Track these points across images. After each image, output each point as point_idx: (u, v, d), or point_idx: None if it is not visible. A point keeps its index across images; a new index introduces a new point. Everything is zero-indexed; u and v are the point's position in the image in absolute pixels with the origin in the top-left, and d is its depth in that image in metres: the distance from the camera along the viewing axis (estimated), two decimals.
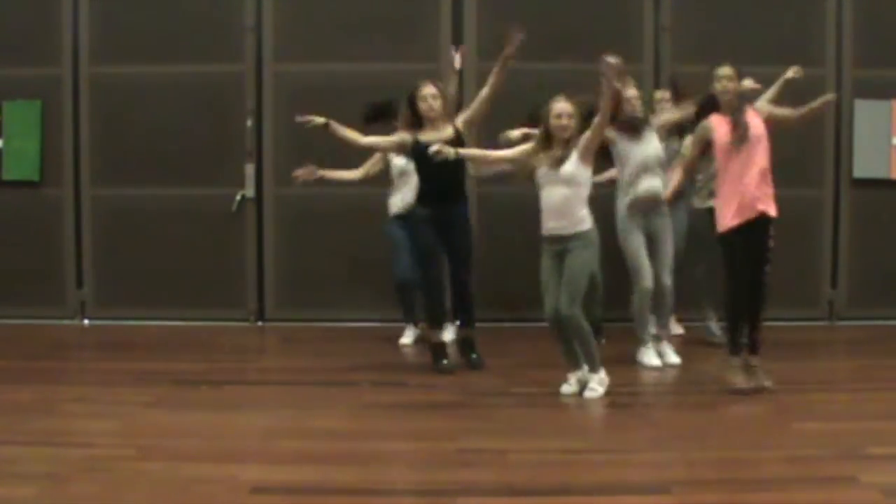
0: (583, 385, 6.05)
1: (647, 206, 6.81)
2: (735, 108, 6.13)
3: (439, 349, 6.82)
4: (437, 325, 6.86)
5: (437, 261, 6.82)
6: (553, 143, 6.01)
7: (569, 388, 6.09)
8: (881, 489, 4.37)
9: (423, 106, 6.63)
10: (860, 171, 8.43)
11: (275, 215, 8.49)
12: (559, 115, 5.98)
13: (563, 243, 5.97)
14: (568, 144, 5.98)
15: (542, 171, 6.01)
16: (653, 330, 6.96)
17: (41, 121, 8.44)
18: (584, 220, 6.00)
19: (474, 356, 6.83)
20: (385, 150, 7.17)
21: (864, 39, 8.37)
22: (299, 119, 6.67)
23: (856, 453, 4.90)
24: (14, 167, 8.48)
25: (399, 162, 7.41)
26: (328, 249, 8.40)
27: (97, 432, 5.29)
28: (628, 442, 5.25)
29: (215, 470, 4.70)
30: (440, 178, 6.54)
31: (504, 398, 6.07)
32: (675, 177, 6.80)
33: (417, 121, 6.67)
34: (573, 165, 5.95)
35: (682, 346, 7.32)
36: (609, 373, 6.09)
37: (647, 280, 6.78)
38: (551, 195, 5.98)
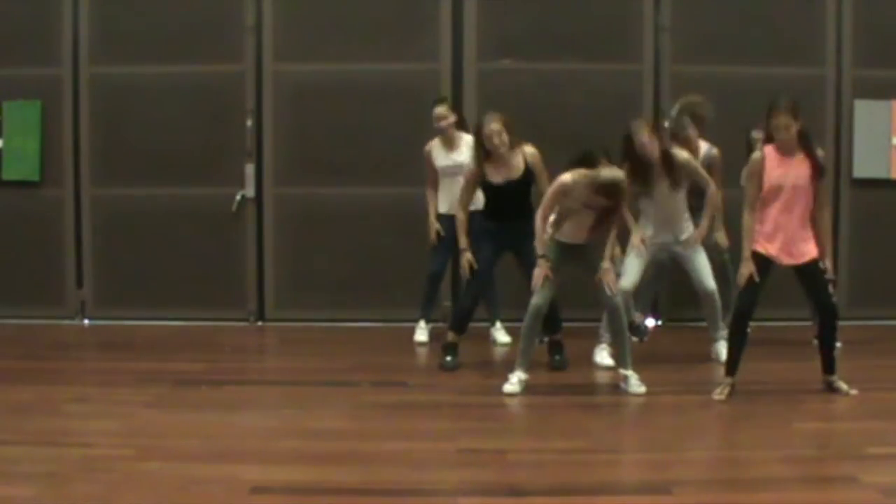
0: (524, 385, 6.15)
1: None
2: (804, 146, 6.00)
3: (449, 347, 6.86)
4: (459, 332, 6.90)
5: (488, 277, 6.89)
6: None
7: (512, 387, 6.13)
8: (881, 489, 4.37)
9: (488, 145, 6.64)
10: (860, 171, 8.43)
11: (275, 215, 8.49)
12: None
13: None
14: None
15: None
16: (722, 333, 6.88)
17: (41, 121, 8.44)
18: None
19: (557, 358, 6.81)
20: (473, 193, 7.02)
21: (864, 39, 8.36)
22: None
23: (856, 453, 4.91)
24: (14, 167, 8.47)
25: (443, 163, 7.42)
26: (328, 249, 8.40)
27: (97, 432, 5.29)
28: (628, 442, 5.26)
29: (215, 470, 4.70)
30: (507, 203, 6.69)
31: (504, 398, 6.07)
32: (745, 228, 6.27)
33: (486, 153, 6.68)
34: None
35: (687, 346, 7.33)
36: (605, 372, 6.09)
37: (626, 281, 6.76)
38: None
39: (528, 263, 6.48)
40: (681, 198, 6.81)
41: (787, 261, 6.05)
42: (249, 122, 8.42)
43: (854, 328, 8.20)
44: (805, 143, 5.99)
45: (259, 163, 8.45)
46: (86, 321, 8.54)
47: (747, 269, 5.98)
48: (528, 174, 6.69)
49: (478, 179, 6.73)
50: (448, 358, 6.81)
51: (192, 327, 8.26)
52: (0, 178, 8.47)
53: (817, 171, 6.00)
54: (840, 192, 8.48)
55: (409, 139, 7.98)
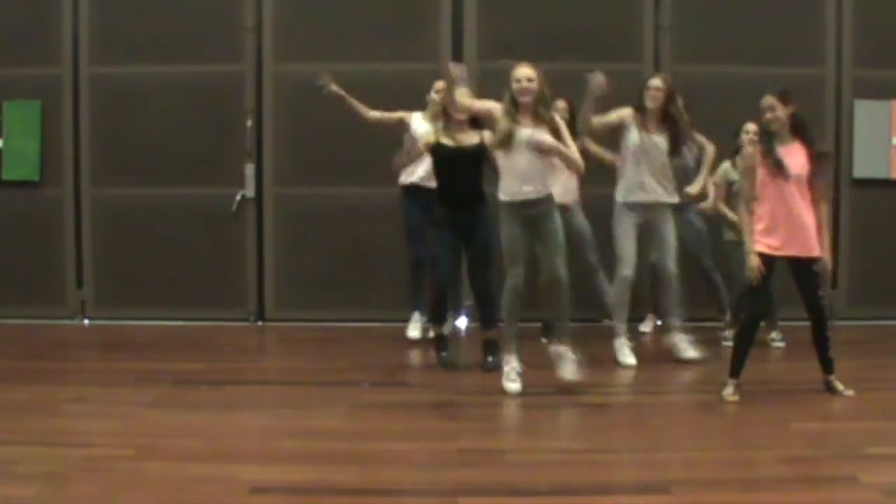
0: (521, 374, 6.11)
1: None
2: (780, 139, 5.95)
3: (441, 342, 6.87)
4: (440, 322, 6.91)
5: (453, 265, 6.85)
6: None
7: (514, 384, 6.08)
8: (881, 489, 4.37)
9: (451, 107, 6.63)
10: (860, 171, 8.43)
11: (275, 215, 8.49)
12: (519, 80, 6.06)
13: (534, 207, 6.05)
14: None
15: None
16: (676, 322, 6.97)
17: (41, 121, 8.44)
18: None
19: (490, 359, 6.72)
20: (388, 126, 7.17)
21: (864, 39, 8.36)
22: (320, 82, 6.75)
23: (856, 453, 4.91)
24: (14, 167, 8.48)
25: (422, 130, 7.35)
26: (328, 249, 8.40)
27: (97, 432, 5.29)
28: (628, 442, 5.26)
29: (215, 470, 4.70)
30: (458, 180, 6.59)
31: (504, 398, 6.07)
32: (744, 223, 6.32)
33: (445, 117, 6.68)
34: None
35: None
36: (605, 372, 6.10)
37: (628, 268, 6.77)
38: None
39: (473, 254, 6.65)
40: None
41: (792, 252, 5.97)
42: (249, 122, 8.42)
43: (854, 328, 8.21)
44: (798, 128, 5.95)
45: (259, 163, 8.45)
46: (86, 321, 8.54)
47: (754, 261, 5.94)
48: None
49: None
50: (443, 354, 6.82)
51: (192, 327, 8.26)
52: (0, 178, 8.47)
53: (813, 157, 5.95)
54: (840, 192, 8.48)
55: None
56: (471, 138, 6.62)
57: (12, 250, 8.48)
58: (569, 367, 6.09)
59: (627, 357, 6.85)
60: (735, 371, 6.00)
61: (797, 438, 5.23)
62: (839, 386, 6.05)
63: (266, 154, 8.46)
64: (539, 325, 7.38)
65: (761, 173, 5.94)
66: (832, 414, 5.71)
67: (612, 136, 7.04)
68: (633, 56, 8.32)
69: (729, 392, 5.94)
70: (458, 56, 8.34)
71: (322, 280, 8.42)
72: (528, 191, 6.01)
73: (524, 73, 6.02)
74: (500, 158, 6.09)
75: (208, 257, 8.48)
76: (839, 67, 8.40)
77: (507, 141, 5.99)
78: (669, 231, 6.89)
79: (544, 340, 7.42)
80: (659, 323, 8.31)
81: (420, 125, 7.45)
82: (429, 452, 5.05)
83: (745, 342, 6.01)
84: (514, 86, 6.01)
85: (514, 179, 6.02)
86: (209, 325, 8.26)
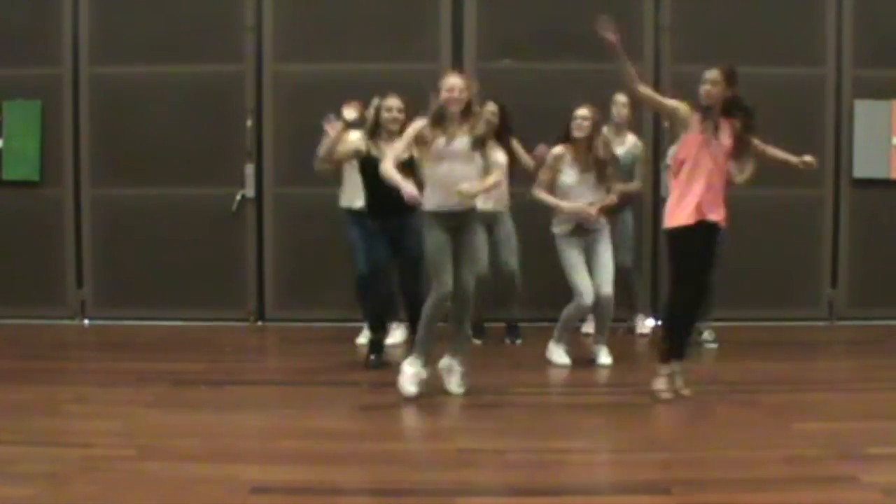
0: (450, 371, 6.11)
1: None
2: (716, 114, 5.92)
3: (375, 346, 6.90)
4: (378, 332, 6.93)
5: (387, 276, 6.88)
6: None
7: (413, 388, 6.03)
8: (881, 489, 4.37)
9: (386, 116, 6.64)
10: (860, 171, 8.43)
11: (275, 215, 8.49)
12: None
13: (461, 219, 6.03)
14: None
15: None
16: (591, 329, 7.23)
17: (41, 121, 8.44)
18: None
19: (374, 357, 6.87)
20: (343, 159, 7.02)
21: (864, 39, 8.37)
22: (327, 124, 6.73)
23: (856, 453, 4.90)
24: (14, 167, 8.48)
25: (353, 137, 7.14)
26: (328, 249, 8.39)
27: (97, 432, 5.29)
28: (628, 442, 5.25)
29: (215, 470, 4.70)
30: (389, 191, 6.29)
31: (504, 398, 6.06)
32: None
33: (377, 129, 6.68)
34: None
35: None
36: (605, 372, 6.09)
37: (586, 297, 6.79)
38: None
39: (405, 263, 6.70)
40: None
41: (713, 217, 5.87)
42: (249, 122, 8.42)
43: (854, 328, 8.22)
44: (732, 112, 5.92)
45: (259, 163, 8.46)
46: (86, 321, 8.54)
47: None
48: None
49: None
50: (371, 357, 6.86)
51: (192, 327, 8.26)
52: (0, 178, 8.47)
53: (738, 140, 5.93)
54: (840, 192, 8.48)
55: None
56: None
57: (12, 250, 8.48)
58: (454, 380, 6.11)
59: (563, 357, 6.94)
60: (672, 356, 5.97)
61: (797, 438, 5.22)
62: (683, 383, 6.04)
63: (266, 154, 8.46)
64: (534, 325, 7.41)
65: (690, 141, 5.88)
66: (832, 414, 5.71)
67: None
68: (634, 56, 8.23)
69: (660, 384, 5.95)
70: (458, 56, 8.35)
71: (322, 280, 8.41)
72: (454, 202, 5.96)
73: (454, 82, 5.95)
74: (427, 168, 6.03)
75: (208, 257, 8.48)
76: (839, 67, 8.40)
77: (431, 151, 5.95)
78: (609, 254, 6.93)
79: (508, 341, 7.64)
80: (658, 323, 8.33)
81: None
82: (429, 452, 5.05)
83: (679, 326, 5.99)
84: (444, 95, 5.94)
85: (440, 190, 5.95)
86: (209, 325, 8.26)
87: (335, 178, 7.41)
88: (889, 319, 8.34)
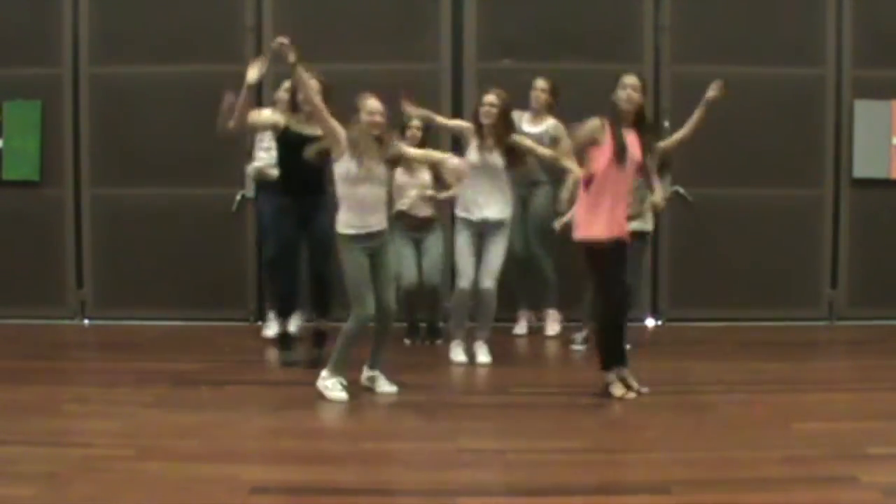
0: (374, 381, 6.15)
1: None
2: (630, 123, 5.94)
3: (285, 340, 6.87)
4: (286, 315, 6.89)
5: (296, 253, 6.80)
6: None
7: (388, 385, 6.13)
8: (881, 489, 4.37)
9: (300, 96, 6.58)
10: (860, 171, 8.43)
11: None
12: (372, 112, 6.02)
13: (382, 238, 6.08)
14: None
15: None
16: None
17: (41, 121, 8.44)
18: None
19: (319, 352, 6.74)
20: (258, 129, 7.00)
21: (864, 39, 8.36)
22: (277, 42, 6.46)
23: (856, 453, 4.91)
24: (14, 167, 8.48)
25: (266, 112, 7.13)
26: None
27: (97, 432, 5.29)
28: (628, 442, 5.26)
29: (215, 470, 4.70)
30: (302, 168, 6.38)
31: (504, 398, 6.06)
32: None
33: (293, 107, 6.66)
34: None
35: (687, 346, 7.33)
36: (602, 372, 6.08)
37: (463, 280, 6.88)
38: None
39: (315, 246, 6.66)
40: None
41: (622, 234, 5.94)
42: None
43: (854, 328, 8.22)
44: (638, 121, 5.94)
45: None
46: (86, 321, 8.54)
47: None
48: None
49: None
50: (288, 352, 6.84)
51: (192, 327, 8.26)
52: (0, 178, 8.47)
53: (644, 150, 5.98)
54: (840, 192, 8.48)
55: None
56: (317, 129, 6.46)
57: (12, 250, 8.48)
58: (382, 383, 6.15)
59: (460, 355, 6.97)
60: (611, 363, 6.01)
61: (797, 438, 5.23)
62: (634, 384, 6.07)
63: None
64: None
65: (601, 155, 5.88)
66: (832, 414, 5.71)
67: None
68: (634, 56, 8.31)
69: (619, 391, 5.97)
70: (458, 56, 8.35)
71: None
72: (373, 223, 5.99)
73: (375, 106, 6.01)
74: (343, 190, 6.01)
75: (208, 257, 8.48)
76: (839, 67, 8.40)
77: (348, 175, 5.97)
78: (498, 249, 6.94)
79: (427, 343, 7.62)
80: (658, 322, 8.33)
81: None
82: (429, 452, 5.05)
83: (613, 334, 6.01)
84: (365, 118, 5.98)
85: (358, 212, 5.97)
86: (209, 325, 8.26)
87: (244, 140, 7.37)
88: (889, 319, 8.34)
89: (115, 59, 8.39)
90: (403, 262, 7.33)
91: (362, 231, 5.97)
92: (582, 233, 5.94)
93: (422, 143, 7.24)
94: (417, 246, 7.50)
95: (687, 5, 8.38)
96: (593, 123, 5.92)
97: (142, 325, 8.30)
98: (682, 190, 8.30)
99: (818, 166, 8.46)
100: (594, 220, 5.88)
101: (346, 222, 5.99)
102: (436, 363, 6.99)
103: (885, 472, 4.64)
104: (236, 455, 4.95)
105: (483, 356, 6.95)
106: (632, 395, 5.99)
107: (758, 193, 8.38)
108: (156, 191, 8.42)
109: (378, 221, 6.03)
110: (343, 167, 5.97)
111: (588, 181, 5.93)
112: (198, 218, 8.45)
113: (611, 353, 6.01)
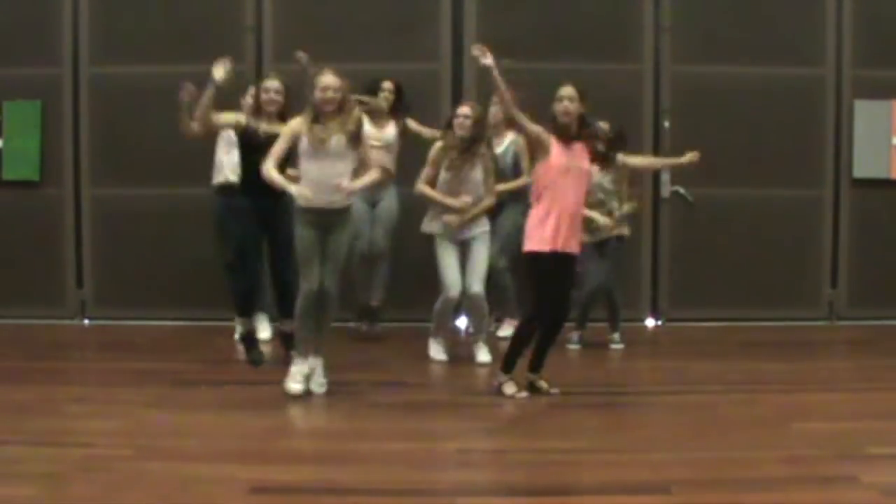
0: (308, 377, 6.10)
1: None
2: (574, 134, 5.93)
3: (249, 339, 6.81)
4: (248, 315, 6.84)
5: (255, 255, 6.75)
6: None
7: (297, 385, 6.06)
8: (881, 489, 4.37)
9: (264, 98, 6.58)
10: (860, 171, 8.43)
11: None
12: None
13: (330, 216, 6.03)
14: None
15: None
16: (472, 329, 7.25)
17: (41, 121, 8.45)
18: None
19: (288, 353, 6.69)
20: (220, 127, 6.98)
21: (864, 39, 8.37)
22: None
23: (856, 453, 4.90)
24: (14, 167, 8.48)
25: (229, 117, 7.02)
26: None
27: (97, 432, 5.29)
28: (628, 442, 5.25)
29: (215, 470, 4.69)
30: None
31: (504, 398, 6.06)
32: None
33: (258, 109, 6.64)
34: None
35: (687, 346, 7.33)
36: (603, 372, 6.09)
37: (451, 291, 6.90)
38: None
39: (277, 248, 6.60)
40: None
41: (569, 249, 5.93)
42: None
43: (854, 328, 8.22)
44: (583, 129, 5.95)
45: None
46: (86, 321, 8.54)
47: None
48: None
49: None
50: (252, 351, 6.76)
51: (192, 327, 8.26)
52: (0, 178, 8.47)
53: (592, 158, 6.07)
54: (840, 192, 8.48)
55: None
56: (280, 129, 6.42)
57: (12, 250, 8.48)
58: (315, 380, 6.13)
59: (440, 354, 7.07)
60: (511, 367, 6.03)
61: (797, 438, 5.22)
62: (544, 385, 6.08)
63: None
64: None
65: (549, 167, 5.88)
66: (832, 414, 5.71)
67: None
68: (633, 56, 8.32)
69: (511, 389, 5.99)
70: (458, 56, 8.35)
71: None
72: (327, 200, 5.96)
73: (328, 81, 6.01)
74: (302, 164, 6.02)
75: (208, 257, 8.46)
76: (839, 67, 8.40)
77: (305, 149, 5.96)
78: (482, 254, 6.98)
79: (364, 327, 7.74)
80: (658, 322, 8.33)
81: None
82: (429, 452, 5.05)
83: (527, 341, 6.02)
84: (317, 94, 5.98)
85: (313, 188, 5.94)
86: (209, 325, 8.25)
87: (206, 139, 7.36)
88: (889, 319, 8.34)
89: (115, 59, 8.39)
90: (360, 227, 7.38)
91: (314, 205, 5.96)
92: (526, 245, 5.97)
93: (393, 107, 7.48)
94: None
95: (687, 5, 8.39)
96: (545, 131, 5.92)
97: (142, 325, 8.31)
98: (682, 190, 8.31)
99: (818, 166, 8.47)
100: (538, 233, 5.90)
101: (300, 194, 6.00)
102: (436, 363, 6.99)
103: (885, 472, 4.64)
104: (235, 455, 4.95)
105: (483, 355, 6.95)
106: (523, 394, 5.99)
107: (758, 193, 8.38)
108: (156, 191, 8.42)
109: (330, 200, 5.96)
110: (303, 143, 5.98)
111: (539, 194, 5.95)
112: (198, 218, 8.44)
113: (514, 358, 6.03)
